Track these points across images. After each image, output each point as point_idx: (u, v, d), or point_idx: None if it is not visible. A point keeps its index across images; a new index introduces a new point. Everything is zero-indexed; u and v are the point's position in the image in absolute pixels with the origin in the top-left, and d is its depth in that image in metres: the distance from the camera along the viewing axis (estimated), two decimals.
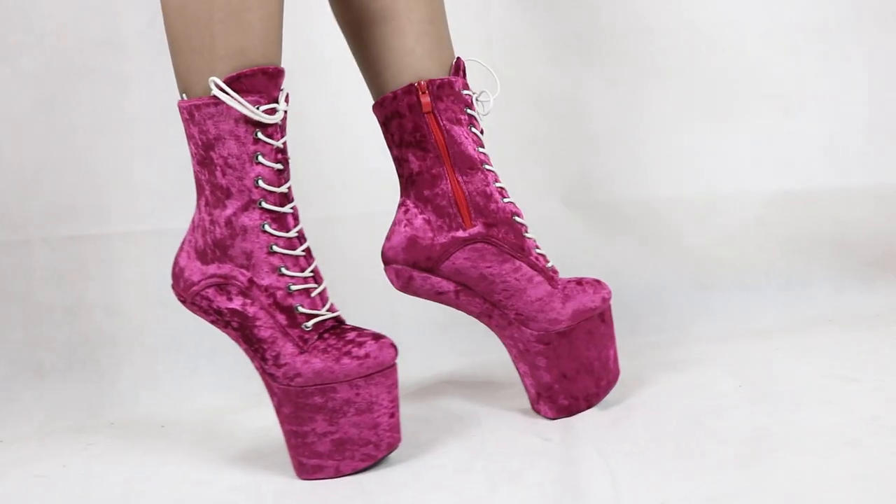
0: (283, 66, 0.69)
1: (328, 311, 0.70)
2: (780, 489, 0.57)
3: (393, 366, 0.69)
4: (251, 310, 0.68)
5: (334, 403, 0.68)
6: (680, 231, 1.15)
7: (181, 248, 0.72)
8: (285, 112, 0.69)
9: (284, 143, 0.70)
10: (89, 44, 1.03)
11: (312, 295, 0.70)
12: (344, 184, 1.12)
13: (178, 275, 0.72)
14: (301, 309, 0.69)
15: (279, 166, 0.69)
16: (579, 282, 0.78)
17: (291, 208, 0.70)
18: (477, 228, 0.75)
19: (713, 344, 0.98)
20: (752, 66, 1.18)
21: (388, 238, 0.77)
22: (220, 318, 0.70)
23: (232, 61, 0.66)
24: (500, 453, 0.70)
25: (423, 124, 0.75)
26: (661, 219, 1.15)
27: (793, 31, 1.16)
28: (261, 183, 0.68)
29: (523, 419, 0.78)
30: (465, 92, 0.77)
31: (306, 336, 0.69)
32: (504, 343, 0.78)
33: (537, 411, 0.78)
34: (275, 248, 0.69)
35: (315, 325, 0.69)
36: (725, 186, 1.17)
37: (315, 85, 1.10)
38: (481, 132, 0.78)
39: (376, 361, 0.68)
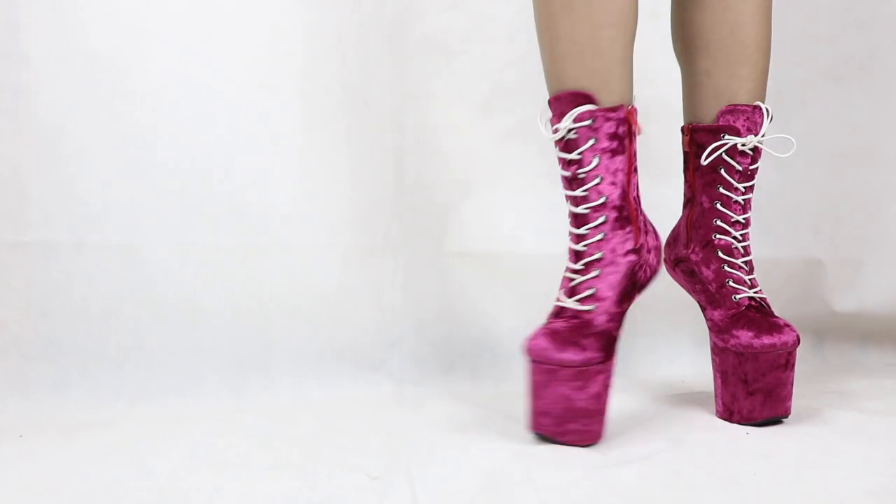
0: None
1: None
2: None
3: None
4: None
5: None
6: (548, 287, 1.17)
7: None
8: None
9: None
10: None
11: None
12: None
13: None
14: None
15: None
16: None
17: None
18: None
19: None
20: None
21: None
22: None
23: None
24: (325, 486, 0.73)
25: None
26: (534, 273, 1.19)
27: (669, 105, 1.23)
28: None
29: (361, 457, 0.80)
30: None
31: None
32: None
33: None
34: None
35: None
36: None
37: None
38: None
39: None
